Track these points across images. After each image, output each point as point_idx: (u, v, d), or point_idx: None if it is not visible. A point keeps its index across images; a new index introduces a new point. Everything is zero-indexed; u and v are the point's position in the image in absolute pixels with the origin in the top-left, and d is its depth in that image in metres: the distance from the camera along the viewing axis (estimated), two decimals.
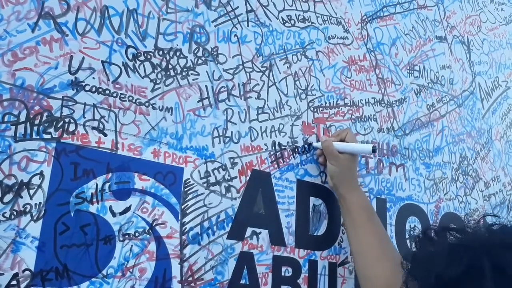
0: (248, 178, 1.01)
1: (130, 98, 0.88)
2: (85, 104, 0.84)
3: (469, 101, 1.52)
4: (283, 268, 1.02)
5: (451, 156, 1.42)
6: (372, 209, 1.09)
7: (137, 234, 0.85)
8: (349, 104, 1.21)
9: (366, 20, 1.29)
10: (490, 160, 1.54)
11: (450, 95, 1.47)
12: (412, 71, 1.37)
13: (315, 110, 1.15)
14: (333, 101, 1.18)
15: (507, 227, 0.72)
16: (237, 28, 1.05)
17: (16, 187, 0.76)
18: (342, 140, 1.08)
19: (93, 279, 0.80)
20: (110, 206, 0.83)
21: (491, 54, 1.65)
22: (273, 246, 1.01)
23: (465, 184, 1.44)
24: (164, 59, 0.93)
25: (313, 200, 1.10)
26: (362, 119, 1.23)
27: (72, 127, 0.82)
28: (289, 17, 1.14)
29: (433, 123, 1.39)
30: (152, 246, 0.86)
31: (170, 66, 0.94)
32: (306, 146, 1.11)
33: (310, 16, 1.18)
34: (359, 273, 1.02)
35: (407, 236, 1.25)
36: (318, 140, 1.13)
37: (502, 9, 1.74)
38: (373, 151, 1.04)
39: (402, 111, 1.32)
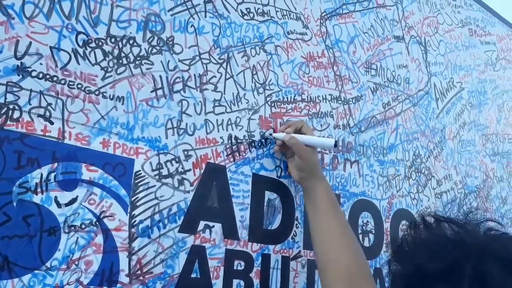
0: (202, 171, 1.00)
1: (79, 86, 0.86)
2: (31, 90, 0.80)
3: (424, 101, 1.56)
4: (236, 262, 1.02)
5: (405, 154, 1.45)
6: (335, 198, 1.10)
7: (83, 226, 0.83)
8: (306, 100, 1.22)
9: (326, 16, 1.30)
10: (442, 159, 1.58)
11: (405, 94, 1.50)
12: (369, 70, 1.39)
13: (273, 104, 1.15)
14: (291, 97, 1.19)
15: (506, 237, 0.67)
16: (194, 19, 1.03)
17: None
18: (298, 131, 1.09)
19: (36, 271, 0.77)
20: (55, 197, 0.80)
21: (447, 55, 1.70)
22: (226, 239, 1.01)
23: (417, 182, 1.47)
24: (117, 47, 0.91)
25: (268, 195, 1.11)
26: (319, 115, 1.24)
27: (16, 114, 0.79)
28: (248, 10, 1.13)
29: (388, 121, 1.42)
30: (99, 239, 0.84)
31: (122, 54, 0.91)
32: (262, 140, 1.11)
33: (269, 10, 1.18)
34: (319, 260, 1.02)
35: (359, 231, 1.27)
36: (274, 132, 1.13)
37: (459, 12, 1.79)
38: (335, 145, 1.07)
39: (358, 109, 1.34)
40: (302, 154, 1.06)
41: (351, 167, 1.28)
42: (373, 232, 1.31)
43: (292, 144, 1.07)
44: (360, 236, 1.27)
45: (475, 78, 1.81)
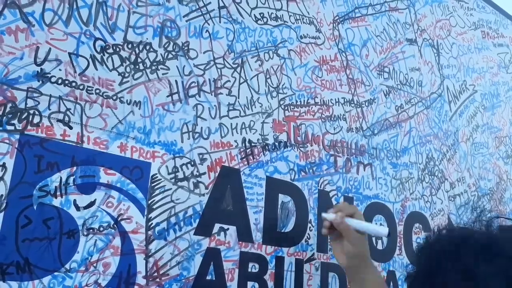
0: (217, 174, 1.01)
1: (97, 91, 0.87)
2: (50, 96, 0.82)
3: (437, 103, 1.56)
4: (250, 264, 1.03)
5: (418, 157, 1.45)
6: (385, 285, 1.04)
7: (101, 229, 0.84)
8: (319, 103, 1.22)
9: (338, 20, 1.31)
10: (456, 162, 1.58)
11: (418, 97, 1.50)
12: (382, 73, 1.40)
13: (286, 108, 1.16)
14: (304, 100, 1.19)
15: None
16: (209, 24, 1.04)
17: None
18: (350, 216, 0.98)
19: (56, 273, 0.79)
20: (74, 200, 0.82)
21: (460, 58, 1.69)
22: (240, 242, 1.02)
23: (431, 184, 1.47)
24: (133, 53, 0.92)
25: (281, 197, 1.11)
26: (332, 119, 1.24)
27: (36, 119, 0.80)
28: (261, 14, 1.14)
29: (401, 124, 1.42)
30: (117, 241, 0.85)
31: (139, 60, 0.93)
32: (276, 144, 1.12)
33: (282, 15, 1.19)
34: None
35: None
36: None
37: (471, 15, 1.78)
38: (389, 235, 0.97)
39: (371, 112, 1.34)
40: (353, 240, 0.96)
41: (364, 170, 1.29)
42: None
43: (343, 230, 0.97)
44: (373, 239, 1.27)
45: (488, 80, 1.81)
